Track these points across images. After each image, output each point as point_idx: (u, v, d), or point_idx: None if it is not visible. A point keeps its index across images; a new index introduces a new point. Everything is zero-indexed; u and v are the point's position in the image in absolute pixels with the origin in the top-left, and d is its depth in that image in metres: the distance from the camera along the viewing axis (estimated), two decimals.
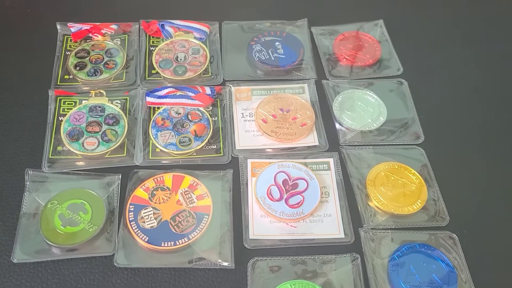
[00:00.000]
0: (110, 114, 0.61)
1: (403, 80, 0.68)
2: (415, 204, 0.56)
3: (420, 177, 0.58)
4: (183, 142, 0.59)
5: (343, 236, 0.54)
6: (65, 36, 0.70)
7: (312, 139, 0.62)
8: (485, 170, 0.60)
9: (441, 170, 0.59)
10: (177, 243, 0.52)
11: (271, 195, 0.56)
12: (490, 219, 0.56)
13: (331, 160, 0.59)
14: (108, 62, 0.67)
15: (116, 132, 0.60)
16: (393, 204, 0.56)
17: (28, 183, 0.55)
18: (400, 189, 0.57)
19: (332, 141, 0.62)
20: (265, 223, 0.54)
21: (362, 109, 0.64)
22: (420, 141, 0.62)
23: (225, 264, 0.51)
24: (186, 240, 0.52)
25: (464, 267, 0.51)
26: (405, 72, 0.69)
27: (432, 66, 0.70)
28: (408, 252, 0.52)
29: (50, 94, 0.62)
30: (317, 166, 0.59)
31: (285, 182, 0.57)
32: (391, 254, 0.52)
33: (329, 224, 0.55)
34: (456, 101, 0.67)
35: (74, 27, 0.69)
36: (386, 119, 0.63)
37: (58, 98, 0.62)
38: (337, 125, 0.63)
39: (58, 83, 0.65)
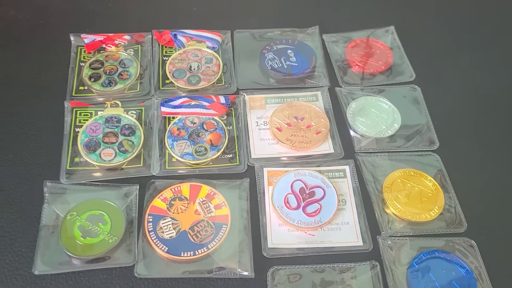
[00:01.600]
0: (126, 124, 0.61)
1: (416, 86, 0.68)
2: (432, 211, 0.56)
3: (436, 183, 0.58)
4: (199, 151, 0.60)
5: (362, 244, 0.54)
6: (79, 47, 0.70)
7: (327, 147, 0.62)
8: (502, 175, 0.60)
9: (457, 176, 0.59)
10: (197, 253, 0.52)
11: (288, 203, 0.56)
12: (508, 224, 0.56)
13: (347, 168, 0.60)
14: (122, 73, 0.67)
15: (133, 142, 0.60)
16: (410, 210, 0.56)
17: (47, 194, 0.55)
18: (416, 195, 0.57)
19: (347, 148, 0.62)
20: (283, 232, 0.54)
21: (376, 116, 0.65)
22: (435, 147, 0.62)
23: (245, 273, 0.51)
24: (205, 249, 0.52)
25: (484, 274, 0.51)
26: (418, 78, 0.69)
27: (445, 72, 0.71)
28: (427, 259, 0.52)
29: (66, 105, 0.63)
30: (333, 173, 0.59)
31: (302, 190, 0.57)
32: (410, 261, 0.52)
33: (347, 232, 0.55)
34: (470, 106, 0.67)
35: (88, 38, 0.70)
36: (400, 126, 0.64)
37: (74, 109, 0.63)
38: (352, 132, 0.63)
39: (73, 94, 0.65)
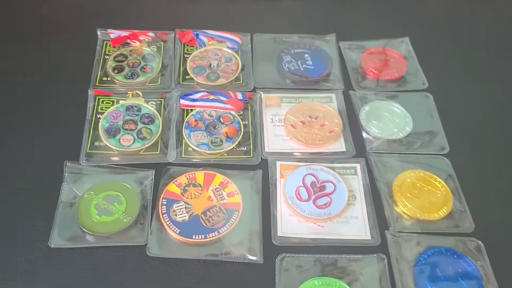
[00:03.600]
0: (145, 113, 0.64)
1: (428, 94, 0.70)
2: (441, 211, 0.57)
3: (445, 184, 0.59)
4: (215, 142, 0.61)
5: (370, 238, 0.55)
6: (105, 42, 0.74)
7: (339, 145, 0.63)
8: (510, 180, 0.61)
9: (466, 179, 0.60)
10: (208, 237, 0.53)
11: (299, 195, 0.57)
12: None
13: (358, 166, 0.61)
14: (145, 67, 0.70)
15: (151, 130, 0.62)
16: (418, 209, 0.57)
17: (66, 174, 0.58)
18: (426, 195, 0.58)
19: (359, 148, 0.63)
20: (293, 222, 0.56)
21: (388, 119, 0.66)
22: (445, 151, 0.63)
23: (254, 258, 0.52)
24: (216, 234, 0.53)
25: (490, 273, 0.52)
26: (431, 86, 0.71)
27: (457, 81, 0.72)
28: (434, 256, 0.53)
29: (89, 93, 0.65)
30: (344, 170, 0.60)
31: (313, 184, 0.58)
32: (417, 256, 0.53)
33: (356, 226, 0.56)
34: (481, 114, 0.68)
35: (114, 33, 0.73)
36: (411, 130, 0.65)
37: (97, 97, 0.65)
38: (364, 134, 0.65)
39: (97, 84, 0.68)
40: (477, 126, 0.67)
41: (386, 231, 0.55)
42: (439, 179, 0.60)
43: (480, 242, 0.54)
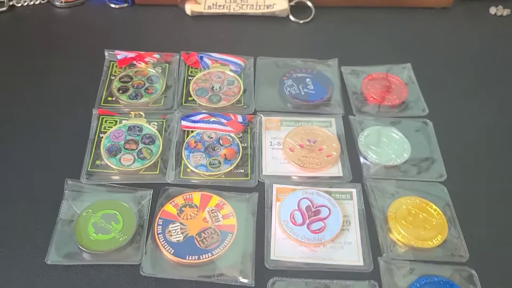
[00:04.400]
0: (147, 134, 0.65)
1: (428, 121, 0.70)
2: (435, 239, 0.57)
3: (440, 212, 0.59)
4: (213, 164, 0.63)
5: (362, 264, 0.55)
6: (111, 62, 0.76)
7: (336, 170, 0.64)
8: (507, 210, 0.61)
9: (463, 207, 0.60)
10: (201, 258, 0.54)
11: (294, 219, 0.58)
12: (510, 257, 0.56)
13: (354, 191, 0.61)
14: (149, 88, 0.72)
15: (151, 151, 0.63)
16: (413, 236, 0.57)
17: (66, 191, 0.59)
18: (421, 223, 0.58)
19: (356, 173, 0.64)
20: (286, 246, 0.56)
21: (387, 145, 0.67)
22: (442, 179, 0.63)
23: (245, 281, 0.52)
24: (210, 255, 0.54)
25: None
26: (431, 113, 0.71)
27: (457, 108, 0.73)
28: (426, 284, 0.53)
29: (94, 112, 0.67)
30: (340, 195, 0.61)
31: (308, 208, 0.59)
32: (409, 285, 0.53)
33: (349, 251, 0.56)
34: (480, 143, 0.68)
35: (120, 54, 0.75)
36: (409, 156, 0.65)
37: (101, 117, 0.67)
38: (362, 159, 0.65)
39: (102, 104, 0.70)
40: (476, 154, 0.67)
41: (379, 257, 0.55)
42: (434, 207, 0.60)
43: (473, 271, 0.54)
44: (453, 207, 0.60)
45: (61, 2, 0.86)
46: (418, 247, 0.56)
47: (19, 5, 0.85)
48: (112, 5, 0.87)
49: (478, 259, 0.55)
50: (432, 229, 0.58)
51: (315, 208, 0.59)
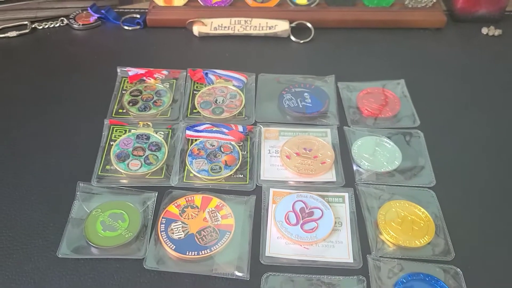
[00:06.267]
0: (153, 142, 0.70)
1: (419, 131, 0.74)
2: (423, 239, 0.60)
3: (428, 215, 0.62)
4: (214, 169, 0.67)
5: (352, 261, 0.58)
6: (123, 78, 0.82)
7: (330, 176, 0.68)
8: (492, 213, 0.64)
9: (450, 211, 0.63)
10: (200, 253, 0.58)
11: (288, 220, 0.62)
12: (494, 256, 0.59)
13: (346, 195, 0.65)
14: (157, 101, 0.77)
15: (157, 157, 0.68)
16: (401, 237, 0.60)
17: (78, 193, 0.64)
18: (409, 224, 0.61)
19: (348, 179, 0.67)
20: (280, 244, 0.60)
21: (379, 153, 0.70)
22: (431, 185, 0.67)
23: (241, 274, 0.56)
24: (209, 251, 0.58)
25: None
26: (422, 125, 0.75)
27: (448, 122, 0.76)
28: (413, 280, 0.56)
29: (105, 122, 0.73)
30: (333, 198, 0.65)
31: (302, 209, 0.63)
32: (396, 281, 0.56)
33: (339, 250, 0.59)
34: (469, 153, 0.72)
35: (132, 71, 0.81)
36: (400, 164, 0.69)
37: (112, 126, 0.72)
38: (355, 166, 0.69)
39: (113, 115, 0.75)
40: (463, 163, 0.70)
41: (368, 255, 0.58)
42: (423, 210, 0.63)
43: (458, 270, 0.57)
44: (441, 210, 0.63)
45: (79, 24, 0.93)
46: (406, 246, 0.59)
47: (40, 27, 0.92)
48: (126, 28, 0.93)
49: (463, 258, 0.58)
50: (420, 230, 0.61)
51: (309, 209, 0.63)
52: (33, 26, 0.92)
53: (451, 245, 0.59)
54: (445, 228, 0.61)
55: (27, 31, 0.91)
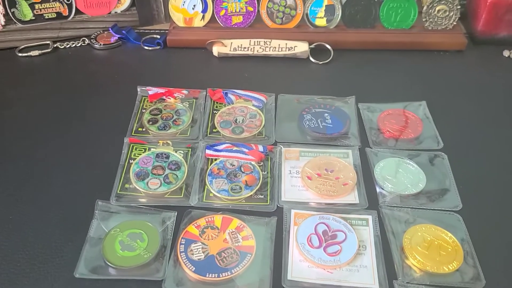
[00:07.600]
0: (173, 161, 0.69)
1: (443, 153, 0.72)
2: (451, 265, 0.58)
3: (456, 240, 0.60)
4: (235, 189, 0.66)
5: (378, 287, 0.56)
6: (143, 97, 0.82)
7: (353, 198, 0.66)
8: None
9: (478, 236, 0.61)
10: (221, 276, 0.56)
11: (311, 242, 0.60)
12: None
13: (370, 217, 0.63)
14: (176, 120, 0.77)
15: (177, 176, 0.67)
16: (428, 262, 0.58)
17: (97, 212, 0.63)
18: (436, 249, 0.59)
19: (372, 201, 0.66)
20: (303, 267, 0.58)
21: (402, 175, 0.69)
22: (458, 208, 0.65)
23: None
24: (229, 274, 0.56)
25: None
26: (445, 147, 0.74)
27: (471, 144, 0.75)
28: None
29: (125, 141, 0.72)
30: (356, 221, 0.63)
31: (324, 232, 0.61)
32: None
33: (364, 275, 0.57)
34: (494, 175, 0.70)
35: (152, 90, 0.81)
36: (424, 186, 0.67)
37: (131, 145, 0.72)
38: (378, 188, 0.68)
39: (133, 134, 0.75)
40: (489, 185, 0.68)
41: (394, 280, 0.56)
42: (450, 234, 0.61)
43: None
44: (469, 235, 0.61)
45: (100, 44, 0.94)
46: (434, 272, 0.57)
47: (62, 47, 0.93)
48: (146, 48, 0.94)
49: (494, 285, 0.56)
50: (448, 255, 0.59)
51: (332, 232, 0.61)
52: (55, 45, 0.93)
53: (481, 272, 0.57)
54: (474, 253, 0.59)
55: (49, 50, 0.92)
